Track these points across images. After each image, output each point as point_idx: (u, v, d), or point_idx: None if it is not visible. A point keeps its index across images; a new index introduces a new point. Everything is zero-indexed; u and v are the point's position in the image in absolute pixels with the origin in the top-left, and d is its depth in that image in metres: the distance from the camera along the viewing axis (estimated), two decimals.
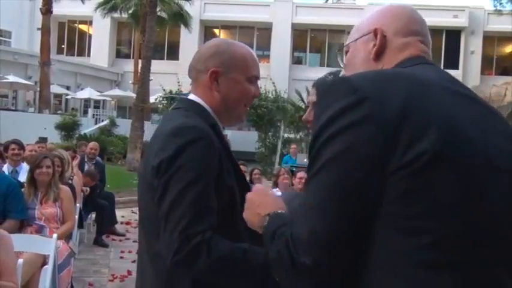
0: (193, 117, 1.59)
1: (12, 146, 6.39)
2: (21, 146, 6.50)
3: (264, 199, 1.32)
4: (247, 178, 6.51)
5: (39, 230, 4.58)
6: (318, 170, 1.03)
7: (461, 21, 31.04)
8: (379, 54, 1.27)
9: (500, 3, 25.93)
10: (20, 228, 4.41)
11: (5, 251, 2.94)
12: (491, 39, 32.29)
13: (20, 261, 3.20)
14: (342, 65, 1.41)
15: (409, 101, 1.03)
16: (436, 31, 31.66)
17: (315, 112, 1.13)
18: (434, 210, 0.98)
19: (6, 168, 6.09)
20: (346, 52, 1.38)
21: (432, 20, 30.44)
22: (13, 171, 6.06)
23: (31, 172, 4.80)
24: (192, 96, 1.70)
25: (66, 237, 4.81)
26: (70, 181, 6.22)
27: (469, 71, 30.73)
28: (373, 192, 0.99)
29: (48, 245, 3.98)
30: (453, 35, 31.31)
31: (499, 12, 26.15)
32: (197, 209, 1.43)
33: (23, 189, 4.76)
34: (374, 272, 1.01)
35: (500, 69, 32.73)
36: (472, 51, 31.45)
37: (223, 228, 1.45)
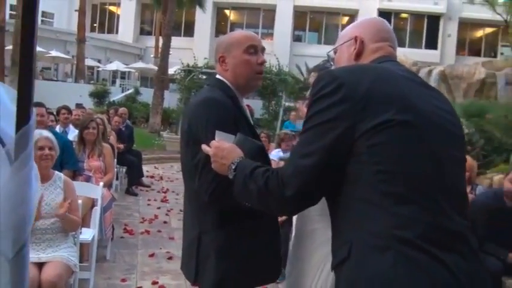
0: (216, 92, 1.84)
1: (63, 110, 6.64)
2: (69, 111, 6.74)
3: (224, 152, 1.54)
4: None
5: (87, 179, 4.83)
6: (307, 129, 1.27)
7: (440, 8, 30.58)
8: (358, 55, 1.48)
9: None
10: (73, 177, 4.58)
11: (71, 193, 3.22)
12: (466, 25, 31.81)
13: (80, 201, 3.45)
14: (332, 64, 1.62)
15: (375, 85, 1.24)
16: (419, 16, 31.35)
17: (311, 92, 1.35)
18: (389, 158, 1.19)
19: (58, 128, 6.28)
20: (335, 52, 1.59)
21: (416, 6, 30.34)
22: (63, 132, 6.28)
23: (80, 132, 5.05)
24: (218, 75, 1.94)
25: (108, 185, 5.11)
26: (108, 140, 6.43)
27: (445, 52, 30.47)
28: (344, 148, 1.21)
29: (96, 190, 4.23)
30: (433, 20, 30.95)
31: (471, 1, 25.86)
32: None
33: (73, 146, 5.00)
34: (351, 201, 1.23)
35: (472, 51, 32.35)
36: (449, 34, 31.09)
37: None
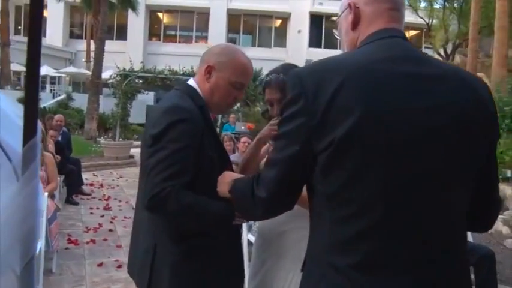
0: (186, 99, 1.71)
1: None
2: None
3: (229, 177, 1.55)
4: None
5: None
6: (278, 136, 1.22)
7: None
8: (355, 25, 1.29)
9: None
10: None
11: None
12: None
13: None
14: (338, 38, 1.42)
15: (340, 92, 1.08)
16: None
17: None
18: (336, 180, 1.12)
19: None
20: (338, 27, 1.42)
21: None
22: None
23: None
24: (190, 81, 1.82)
25: (51, 195, 4.91)
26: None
27: None
28: (304, 162, 1.15)
29: (40, 201, 4.00)
30: None
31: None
32: (173, 170, 1.58)
33: None
34: (312, 212, 1.23)
35: None
36: None
37: (203, 185, 1.62)
